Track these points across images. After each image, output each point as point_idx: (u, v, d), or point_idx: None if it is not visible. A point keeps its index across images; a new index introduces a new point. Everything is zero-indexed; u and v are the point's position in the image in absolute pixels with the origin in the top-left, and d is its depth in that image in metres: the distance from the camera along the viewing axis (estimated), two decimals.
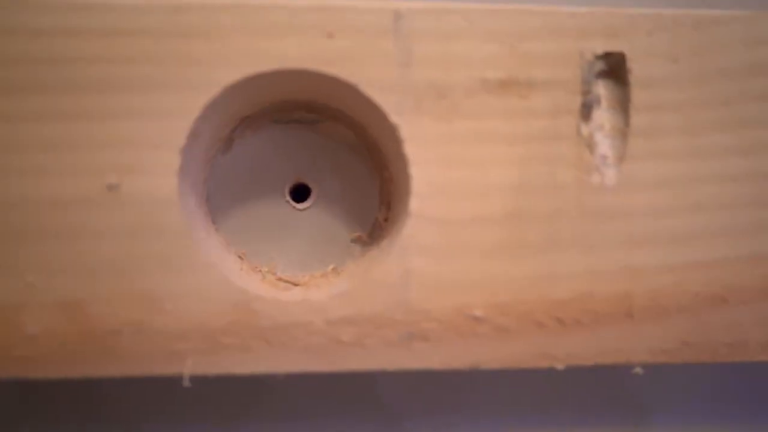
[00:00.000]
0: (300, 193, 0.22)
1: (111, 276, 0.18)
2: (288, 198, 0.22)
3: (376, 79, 0.18)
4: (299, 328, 0.18)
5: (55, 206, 0.17)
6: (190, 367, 0.18)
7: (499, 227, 0.18)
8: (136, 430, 0.22)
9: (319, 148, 0.22)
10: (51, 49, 0.17)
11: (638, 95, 0.19)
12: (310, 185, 0.22)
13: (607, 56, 0.19)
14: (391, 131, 0.18)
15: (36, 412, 0.22)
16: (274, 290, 0.19)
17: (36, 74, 0.17)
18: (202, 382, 0.18)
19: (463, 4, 0.18)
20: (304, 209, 0.22)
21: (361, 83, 0.18)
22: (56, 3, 0.17)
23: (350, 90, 0.18)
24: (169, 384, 0.18)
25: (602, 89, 0.19)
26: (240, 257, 0.21)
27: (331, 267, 0.21)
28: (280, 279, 0.21)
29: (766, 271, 0.19)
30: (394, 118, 0.18)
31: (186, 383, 0.18)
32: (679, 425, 0.23)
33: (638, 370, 0.19)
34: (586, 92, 0.19)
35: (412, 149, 0.18)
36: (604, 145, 0.19)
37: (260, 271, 0.21)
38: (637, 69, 0.19)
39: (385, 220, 0.21)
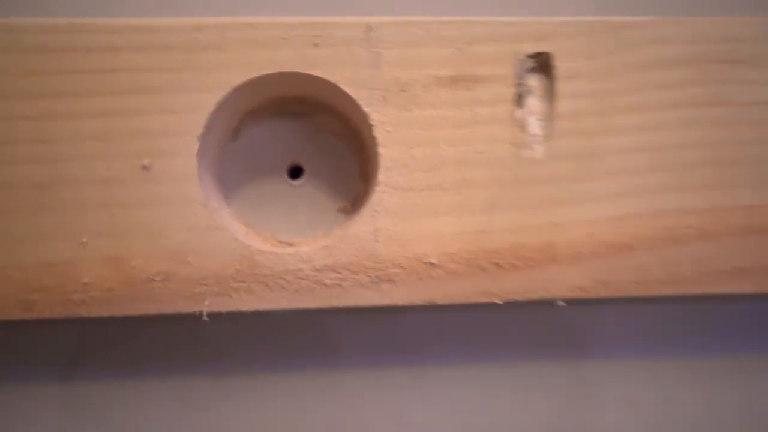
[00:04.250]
0: (295, 172, 0.26)
1: (146, 237, 0.22)
2: (285, 176, 0.26)
3: (351, 78, 0.23)
4: (291, 275, 0.23)
5: (102, 183, 0.22)
6: (207, 306, 0.22)
7: (449, 193, 0.23)
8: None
9: (311, 135, 0.26)
10: (100, 62, 0.22)
11: (562, 86, 0.23)
12: (303, 165, 0.26)
13: (536, 56, 0.23)
14: (364, 118, 0.23)
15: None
16: (273, 247, 0.24)
17: (89, 82, 0.22)
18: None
19: (420, 17, 0.23)
20: (299, 186, 0.26)
21: (340, 81, 0.23)
22: (104, 25, 0.22)
23: (332, 87, 0.23)
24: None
25: (533, 82, 0.23)
26: (245, 225, 0.25)
27: (320, 232, 0.25)
28: (279, 241, 0.25)
29: (665, 223, 0.23)
30: (366, 108, 0.23)
31: (205, 318, 0.22)
32: (612, 358, 0.28)
33: (561, 303, 0.23)
34: (520, 84, 0.23)
35: (380, 132, 0.23)
36: (535, 126, 0.23)
37: (262, 235, 0.25)
38: (560, 65, 0.23)
39: (365, 192, 0.26)
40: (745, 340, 0.28)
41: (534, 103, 0.23)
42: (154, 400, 0.26)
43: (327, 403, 0.27)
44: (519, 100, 0.23)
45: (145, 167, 0.22)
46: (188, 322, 0.23)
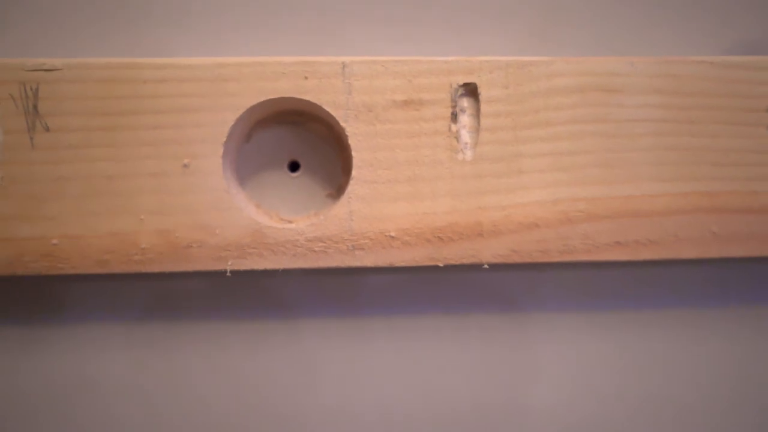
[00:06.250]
0: (293, 166, 0.32)
1: (186, 215, 0.29)
2: (286, 170, 0.33)
3: (331, 101, 0.30)
4: (290, 243, 0.30)
5: (154, 176, 0.29)
6: (230, 266, 0.30)
7: (402, 185, 0.30)
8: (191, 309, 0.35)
9: (306, 139, 0.32)
10: (152, 89, 0.29)
11: (485, 107, 0.30)
12: (300, 162, 0.32)
13: (466, 85, 0.30)
14: (342, 131, 0.30)
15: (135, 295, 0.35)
16: (277, 223, 0.32)
17: (144, 103, 0.29)
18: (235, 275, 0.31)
19: (381, 57, 0.30)
20: (296, 177, 0.33)
21: (323, 104, 0.30)
22: (154, 63, 0.29)
23: (318, 107, 0.30)
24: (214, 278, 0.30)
25: (464, 104, 0.30)
26: (256, 206, 0.33)
27: (312, 212, 0.33)
28: (281, 218, 0.33)
29: (562, 208, 0.30)
30: (343, 123, 0.30)
31: (228, 275, 0.30)
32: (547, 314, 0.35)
33: (485, 266, 0.30)
34: (454, 106, 0.30)
35: (353, 141, 0.30)
36: (466, 137, 0.30)
37: (269, 214, 0.33)
38: (484, 92, 0.30)
39: (345, 183, 0.33)
40: (627, 298, 0.35)
41: (465, 120, 0.30)
42: (185, 338, 0.34)
43: (314, 345, 0.35)
44: (454, 117, 0.30)
45: (185, 165, 0.29)
46: (216, 277, 0.30)
